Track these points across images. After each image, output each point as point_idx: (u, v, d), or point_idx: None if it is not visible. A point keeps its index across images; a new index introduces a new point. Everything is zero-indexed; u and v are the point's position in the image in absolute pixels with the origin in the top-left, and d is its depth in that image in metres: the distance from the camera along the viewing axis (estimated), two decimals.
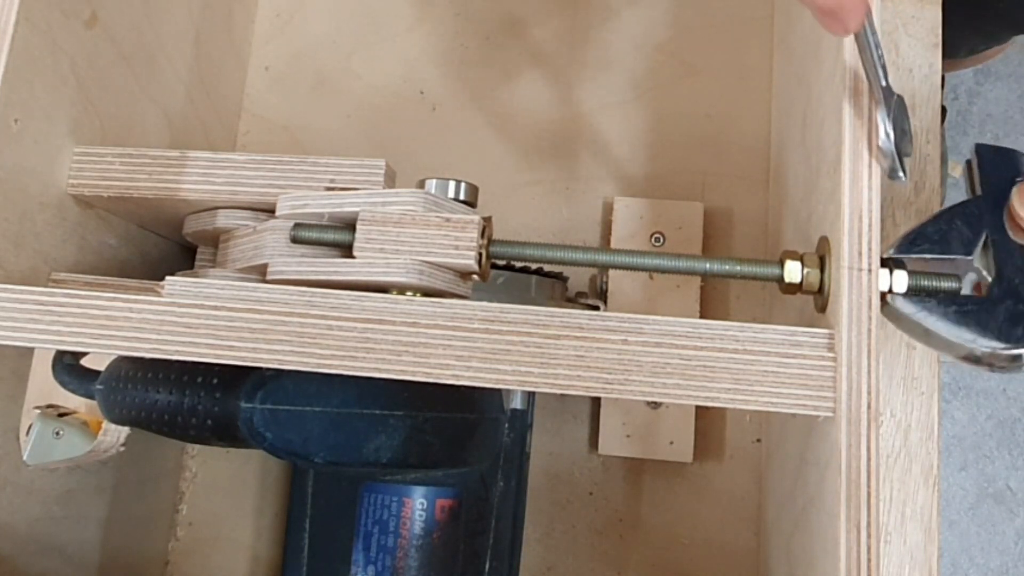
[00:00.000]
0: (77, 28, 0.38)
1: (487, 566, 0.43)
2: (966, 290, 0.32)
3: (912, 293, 0.32)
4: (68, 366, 0.41)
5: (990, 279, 0.32)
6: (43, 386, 0.42)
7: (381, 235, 0.34)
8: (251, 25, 0.57)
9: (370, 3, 0.58)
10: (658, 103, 0.55)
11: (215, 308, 0.32)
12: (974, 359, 0.32)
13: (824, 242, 0.33)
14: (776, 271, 0.34)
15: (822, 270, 0.33)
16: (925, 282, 0.32)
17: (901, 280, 0.32)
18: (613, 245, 0.51)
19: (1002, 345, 0.31)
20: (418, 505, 0.41)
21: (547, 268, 0.45)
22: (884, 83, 0.31)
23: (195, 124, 0.50)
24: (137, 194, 0.38)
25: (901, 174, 0.31)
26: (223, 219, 0.39)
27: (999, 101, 1.22)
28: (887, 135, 0.31)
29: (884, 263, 0.31)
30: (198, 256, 0.45)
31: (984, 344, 0.31)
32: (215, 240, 0.41)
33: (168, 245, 0.48)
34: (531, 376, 0.31)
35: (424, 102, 0.56)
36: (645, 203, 0.51)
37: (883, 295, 0.32)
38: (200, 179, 0.38)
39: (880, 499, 0.36)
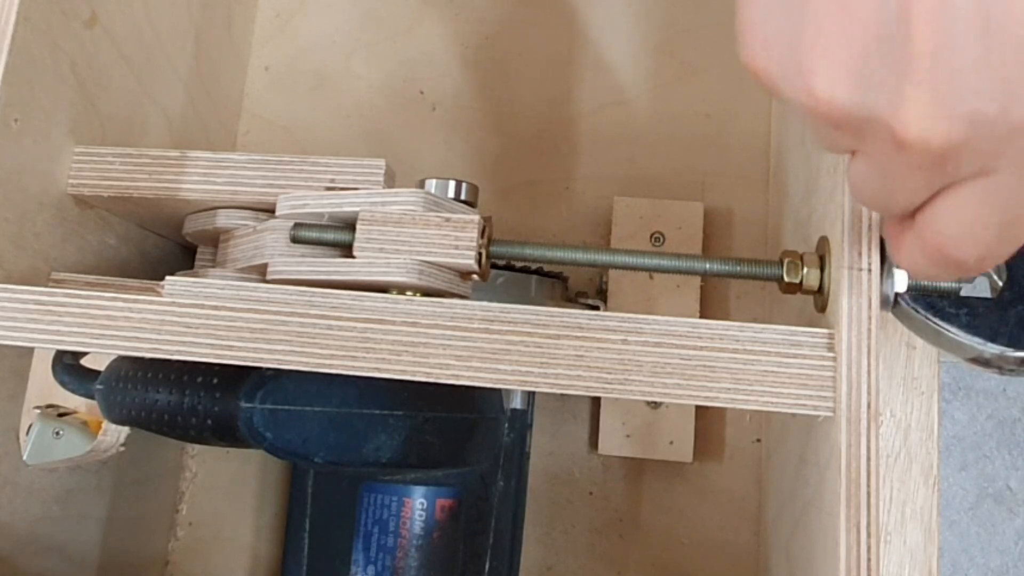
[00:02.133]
0: (77, 28, 0.38)
1: (487, 566, 0.43)
2: (974, 292, 0.32)
3: (911, 291, 0.32)
4: (68, 366, 0.41)
5: (1000, 283, 0.32)
6: (43, 386, 0.42)
7: (381, 235, 0.34)
8: (251, 25, 0.57)
9: (370, 3, 0.58)
10: (658, 103, 0.55)
11: (215, 308, 0.32)
12: (983, 362, 0.32)
13: (824, 242, 0.33)
14: (776, 271, 0.34)
15: (822, 270, 0.33)
16: (924, 281, 0.32)
17: (901, 279, 0.32)
18: (613, 245, 0.51)
19: (1011, 349, 0.31)
20: (418, 505, 0.41)
21: (547, 268, 0.45)
22: None
23: (195, 124, 0.50)
24: (137, 194, 0.38)
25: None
26: (223, 219, 0.39)
27: None
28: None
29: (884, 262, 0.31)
30: (198, 256, 0.45)
31: (993, 347, 0.31)
32: (215, 240, 0.41)
33: (168, 245, 0.48)
34: (531, 376, 0.31)
35: (424, 102, 0.56)
36: (645, 203, 0.51)
37: (895, 295, 0.32)
38: (200, 179, 0.38)
39: (880, 499, 0.36)
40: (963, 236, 0.22)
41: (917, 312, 0.32)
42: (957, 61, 0.19)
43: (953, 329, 0.32)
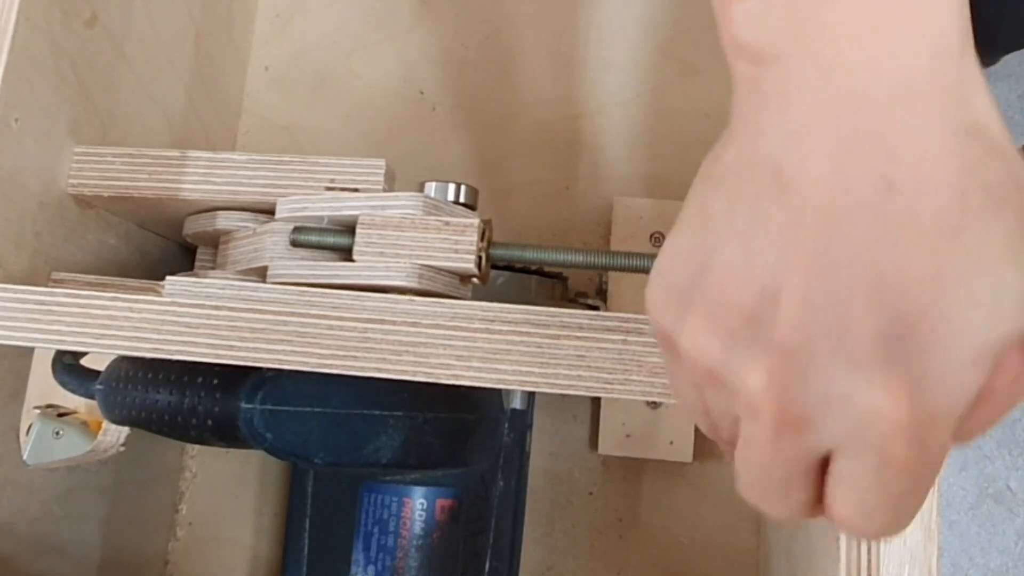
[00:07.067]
0: (77, 28, 0.38)
1: (487, 566, 0.43)
2: None
3: None
4: (68, 366, 0.41)
5: None
6: (43, 386, 0.42)
7: (381, 239, 0.34)
8: (251, 25, 0.57)
9: (370, 3, 0.58)
10: (658, 103, 0.55)
11: (215, 308, 0.32)
12: None
13: None
14: None
15: None
16: None
17: None
18: (613, 245, 0.51)
19: None
20: (418, 505, 0.41)
21: (547, 268, 0.45)
22: None
23: (195, 124, 0.50)
24: (137, 194, 0.38)
25: None
26: (223, 221, 0.39)
27: (999, 101, 1.22)
28: None
29: None
30: (198, 257, 0.45)
31: None
32: (215, 241, 0.41)
33: (168, 245, 0.48)
34: (531, 376, 0.31)
35: (424, 102, 0.56)
36: (645, 203, 0.51)
37: None
38: (200, 179, 0.38)
39: None
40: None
41: None
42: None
43: None
